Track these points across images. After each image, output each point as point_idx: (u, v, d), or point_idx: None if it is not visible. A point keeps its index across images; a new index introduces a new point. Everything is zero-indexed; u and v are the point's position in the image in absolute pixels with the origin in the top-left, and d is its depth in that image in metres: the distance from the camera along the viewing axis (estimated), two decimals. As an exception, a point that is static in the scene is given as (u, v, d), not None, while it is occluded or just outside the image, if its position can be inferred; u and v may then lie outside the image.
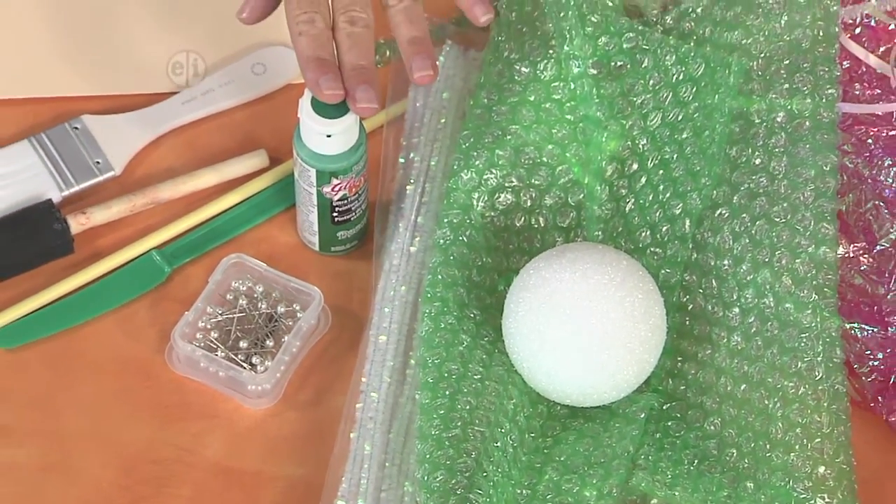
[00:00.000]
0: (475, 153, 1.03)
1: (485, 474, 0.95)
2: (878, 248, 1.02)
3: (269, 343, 1.02)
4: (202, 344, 1.02)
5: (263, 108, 1.11)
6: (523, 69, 1.05)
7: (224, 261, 1.03)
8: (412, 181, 1.07)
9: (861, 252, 1.02)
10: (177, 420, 1.01)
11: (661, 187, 1.04)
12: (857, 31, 1.07)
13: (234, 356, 1.01)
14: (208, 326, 1.02)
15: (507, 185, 1.04)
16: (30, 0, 1.14)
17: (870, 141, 1.04)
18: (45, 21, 1.12)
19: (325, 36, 0.99)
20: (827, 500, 0.94)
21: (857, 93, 1.06)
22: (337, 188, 1.02)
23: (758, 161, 1.02)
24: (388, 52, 1.12)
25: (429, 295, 1.00)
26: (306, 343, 1.03)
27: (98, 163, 1.08)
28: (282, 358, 1.01)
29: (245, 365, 1.01)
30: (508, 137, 1.04)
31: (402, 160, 1.08)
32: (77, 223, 1.06)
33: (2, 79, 1.11)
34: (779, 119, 1.02)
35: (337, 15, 1.00)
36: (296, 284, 1.03)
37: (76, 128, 1.09)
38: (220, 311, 1.03)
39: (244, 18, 1.02)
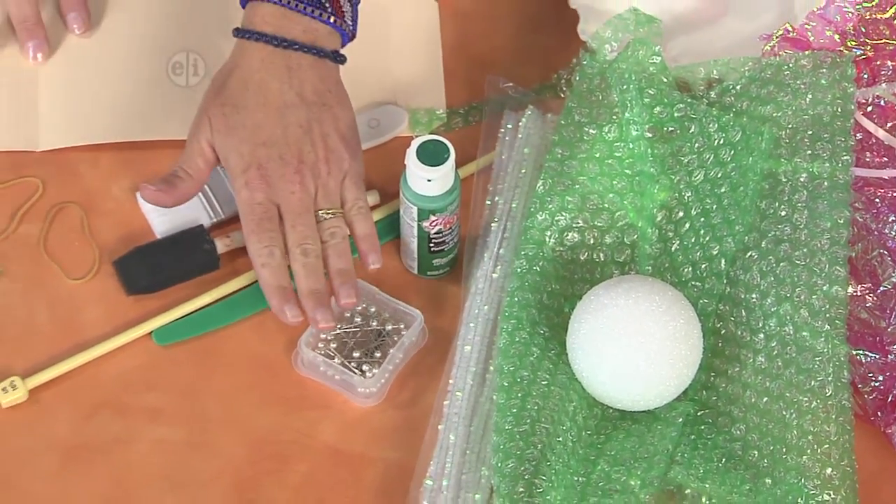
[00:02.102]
0: (549, 199, 1.03)
1: (548, 463, 0.95)
2: (881, 289, 1.02)
3: (377, 354, 1.02)
4: (322, 352, 1.02)
5: (376, 156, 1.11)
6: (591, 131, 1.05)
7: None
8: (496, 220, 1.07)
9: (867, 292, 1.02)
10: (297, 409, 1.01)
11: (702, 232, 1.03)
12: (869, 108, 1.07)
13: (347, 363, 1.02)
14: (328, 338, 1.03)
15: (574, 225, 1.04)
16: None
17: (877, 200, 1.04)
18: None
19: (283, 266, 1.00)
20: (832, 496, 0.93)
21: (868, 160, 1.06)
22: (434, 223, 1.03)
23: (783, 213, 1.01)
24: (479, 115, 1.12)
25: (507, 314, 1.00)
26: (407, 355, 1.03)
27: (240, 196, 1.08)
28: (387, 367, 1.01)
29: (356, 371, 1.01)
30: (577, 186, 1.04)
31: (488, 202, 1.08)
32: (222, 244, 1.06)
33: (171, 123, 1.10)
34: (802, 179, 1.02)
35: (292, 247, 1.00)
36: (402, 307, 1.03)
37: (223, 168, 1.08)
38: (339, 326, 1.03)
39: (146, 199, 1.02)
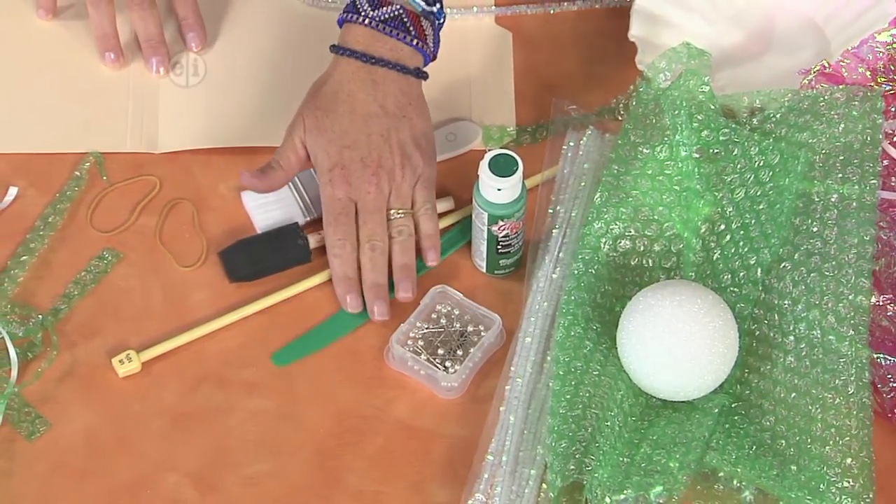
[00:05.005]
0: (605, 209, 1.03)
1: (597, 444, 0.95)
2: (901, 299, 1.01)
3: (460, 353, 1.02)
4: (411, 349, 1.02)
5: (452, 166, 1.11)
6: (644, 150, 1.05)
7: (433, 289, 1.03)
8: (557, 227, 1.07)
9: (888, 302, 1.01)
10: (376, 388, 1.01)
11: (741, 243, 1.03)
12: None
13: (432, 360, 1.01)
14: (417, 336, 1.02)
15: (626, 234, 1.04)
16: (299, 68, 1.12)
17: (900, 220, 1.03)
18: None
19: (352, 258, 1.01)
20: (851, 483, 0.93)
21: (893, 184, 1.04)
22: (502, 228, 1.03)
23: (815, 229, 1.01)
24: (545, 133, 1.12)
25: (564, 310, 1.00)
26: (486, 354, 1.02)
27: (331, 199, 1.08)
28: (467, 364, 1.01)
29: (440, 367, 1.01)
30: (630, 199, 1.04)
31: (550, 211, 1.08)
32: (314, 240, 1.06)
33: (273, 131, 1.09)
34: (833, 199, 1.01)
35: (363, 242, 1.02)
36: (482, 311, 1.03)
37: (314, 166, 1.07)
38: (426, 326, 1.03)
39: (243, 184, 1.04)
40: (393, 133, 1.03)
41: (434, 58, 1.07)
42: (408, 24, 1.04)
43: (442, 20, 1.07)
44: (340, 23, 1.06)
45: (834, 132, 1.04)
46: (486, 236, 1.04)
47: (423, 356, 1.01)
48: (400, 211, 1.03)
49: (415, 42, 1.04)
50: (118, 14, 1.14)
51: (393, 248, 1.03)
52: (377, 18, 1.04)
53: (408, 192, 1.04)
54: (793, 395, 0.97)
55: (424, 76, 1.06)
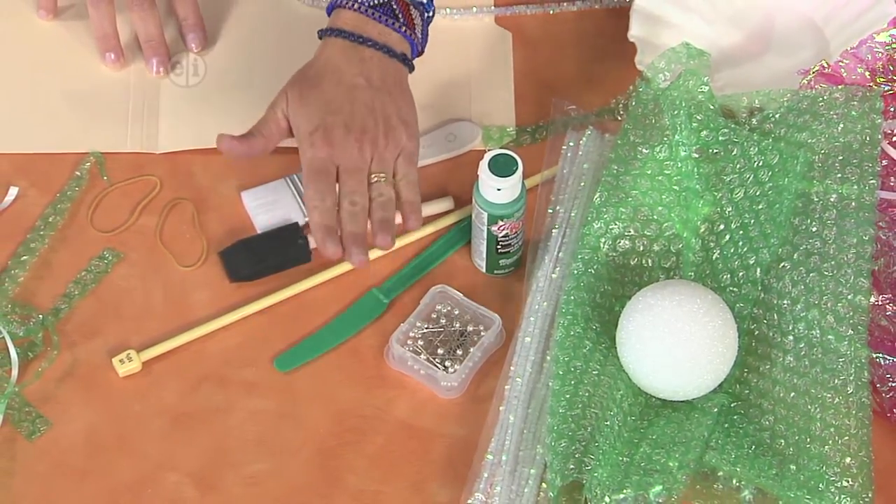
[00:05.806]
0: (605, 209, 1.03)
1: (596, 444, 0.95)
2: (900, 299, 1.01)
3: (459, 352, 1.02)
4: (411, 348, 1.01)
5: (452, 166, 1.11)
6: (644, 150, 1.05)
7: (433, 289, 1.03)
8: (557, 226, 1.07)
9: (888, 301, 1.01)
10: (376, 388, 1.01)
11: (741, 243, 1.03)
12: (895, 138, 1.05)
13: (432, 360, 1.01)
14: (416, 336, 1.02)
15: (626, 234, 1.03)
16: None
17: (899, 220, 1.03)
18: None
19: (331, 210, 1.00)
20: (850, 482, 0.93)
21: (892, 184, 1.04)
22: (502, 228, 1.03)
23: (814, 229, 1.01)
24: (545, 133, 1.12)
25: (563, 310, 1.00)
26: (485, 354, 1.02)
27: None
28: (467, 364, 1.01)
29: (440, 367, 1.01)
30: (630, 199, 1.04)
31: (550, 210, 1.08)
32: (314, 240, 1.04)
33: None
34: (832, 199, 1.01)
35: (342, 199, 1.00)
36: (482, 311, 1.03)
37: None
38: (426, 326, 1.03)
39: (221, 148, 1.03)
40: (378, 105, 1.03)
41: (422, 51, 1.07)
42: (397, 11, 1.04)
43: (431, 13, 1.06)
44: (329, 10, 1.06)
45: (833, 132, 1.04)
46: (485, 236, 1.04)
47: (422, 356, 1.01)
48: (381, 176, 1.01)
49: (403, 29, 1.04)
50: (118, 14, 1.14)
51: (372, 206, 1.01)
52: (366, 4, 1.04)
53: (390, 160, 1.02)
54: (792, 394, 0.97)
55: (410, 66, 1.06)
